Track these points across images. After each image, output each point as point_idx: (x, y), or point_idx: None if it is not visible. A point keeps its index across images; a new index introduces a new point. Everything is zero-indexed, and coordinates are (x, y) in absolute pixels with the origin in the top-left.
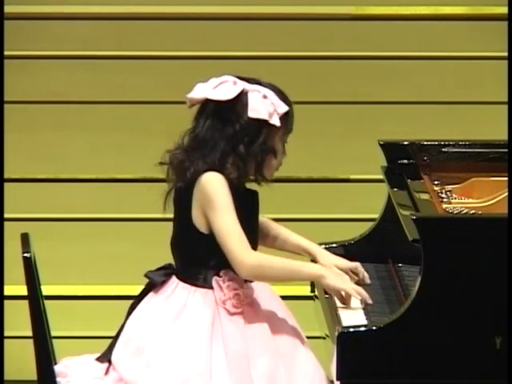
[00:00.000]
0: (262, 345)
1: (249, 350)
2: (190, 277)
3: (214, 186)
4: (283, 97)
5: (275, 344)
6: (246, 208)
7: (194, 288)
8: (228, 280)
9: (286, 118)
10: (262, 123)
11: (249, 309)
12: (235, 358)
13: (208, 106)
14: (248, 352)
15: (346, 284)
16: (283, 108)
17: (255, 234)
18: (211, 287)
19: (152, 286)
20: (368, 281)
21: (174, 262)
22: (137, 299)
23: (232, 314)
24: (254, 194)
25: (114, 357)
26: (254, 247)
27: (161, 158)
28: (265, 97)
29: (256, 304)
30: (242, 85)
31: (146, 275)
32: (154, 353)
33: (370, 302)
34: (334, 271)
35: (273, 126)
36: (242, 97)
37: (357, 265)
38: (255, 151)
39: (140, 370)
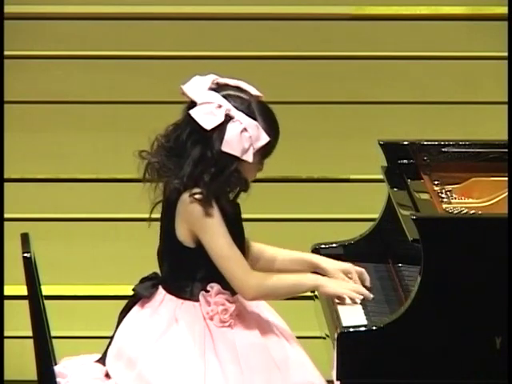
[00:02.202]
0: (254, 353)
1: (242, 359)
2: (176, 289)
3: (201, 208)
4: (268, 123)
5: (267, 351)
6: (229, 220)
7: (180, 301)
8: (215, 295)
9: (265, 145)
10: (235, 156)
11: (237, 321)
12: (229, 369)
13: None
14: (240, 362)
15: (343, 288)
16: (262, 141)
17: (242, 246)
18: (197, 300)
19: (138, 298)
20: (368, 283)
21: (159, 271)
22: (124, 310)
23: (221, 327)
24: (237, 206)
25: (108, 367)
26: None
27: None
28: (245, 130)
29: (244, 314)
30: (225, 111)
31: (133, 289)
32: (147, 366)
33: (371, 297)
34: (331, 278)
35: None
36: (221, 124)
37: (349, 268)
38: (221, 181)
39: (134, 382)
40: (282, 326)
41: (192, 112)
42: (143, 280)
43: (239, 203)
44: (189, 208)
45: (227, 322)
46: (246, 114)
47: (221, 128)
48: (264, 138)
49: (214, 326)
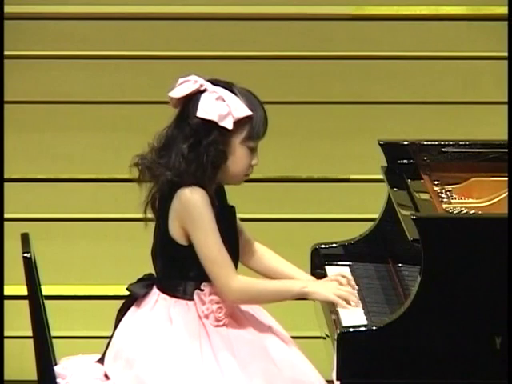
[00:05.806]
0: (251, 351)
1: (239, 357)
2: (169, 288)
3: (197, 205)
4: (252, 102)
5: (265, 348)
6: (224, 224)
7: (173, 299)
8: (210, 294)
9: (249, 122)
10: (213, 125)
11: (232, 319)
12: (227, 367)
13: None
14: (238, 360)
15: (330, 293)
16: (241, 112)
17: (235, 249)
18: (191, 299)
19: (134, 298)
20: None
21: (154, 272)
22: (121, 311)
23: (216, 326)
24: (232, 209)
25: (107, 368)
26: (235, 262)
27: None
28: (221, 98)
29: (239, 314)
30: (200, 85)
31: (127, 289)
32: (144, 367)
33: (359, 305)
34: (318, 282)
35: (225, 128)
36: (196, 96)
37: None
38: (200, 152)
39: (132, 383)
40: (276, 328)
41: (171, 91)
42: (138, 281)
43: (234, 206)
44: (183, 205)
45: (222, 321)
46: (227, 90)
47: (195, 100)
48: (245, 110)
49: (210, 325)
